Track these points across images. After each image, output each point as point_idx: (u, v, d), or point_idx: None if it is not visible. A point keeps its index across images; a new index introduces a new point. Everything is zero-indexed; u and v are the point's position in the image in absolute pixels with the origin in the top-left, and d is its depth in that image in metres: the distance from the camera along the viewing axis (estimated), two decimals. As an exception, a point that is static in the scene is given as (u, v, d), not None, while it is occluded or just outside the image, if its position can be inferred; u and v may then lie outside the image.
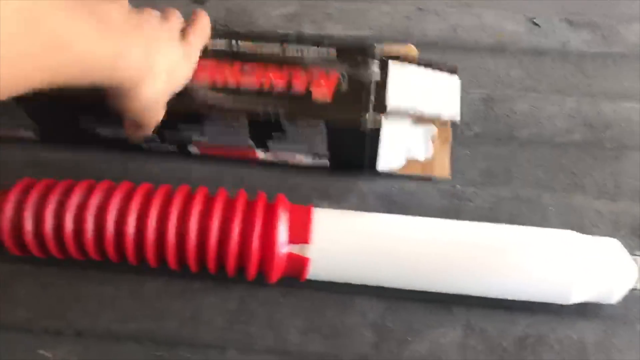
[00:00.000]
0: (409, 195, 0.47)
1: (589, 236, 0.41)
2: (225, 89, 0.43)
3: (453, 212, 0.46)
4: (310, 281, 0.43)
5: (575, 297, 0.40)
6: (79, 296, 0.43)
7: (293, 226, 0.40)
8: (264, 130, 0.44)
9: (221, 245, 0.40)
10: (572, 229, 0.41)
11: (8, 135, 0.49)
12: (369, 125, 0.42)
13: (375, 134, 0.43)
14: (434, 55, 0.47)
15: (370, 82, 0.43)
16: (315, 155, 0.46)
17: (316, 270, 0.41)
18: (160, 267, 0.42)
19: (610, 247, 0.40)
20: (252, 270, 0.40)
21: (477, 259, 0.40)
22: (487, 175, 0.48)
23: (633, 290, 0.40)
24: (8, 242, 0.41)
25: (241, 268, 0.41)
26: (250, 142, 0.46)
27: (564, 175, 0.48)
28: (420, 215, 0.43)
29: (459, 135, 0.49)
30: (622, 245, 0.41)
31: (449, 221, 0.42)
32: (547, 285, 0.40)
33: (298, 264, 0.40)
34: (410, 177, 0.48)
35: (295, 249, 0.40)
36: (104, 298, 0.43)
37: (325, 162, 0.47)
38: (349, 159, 0.46)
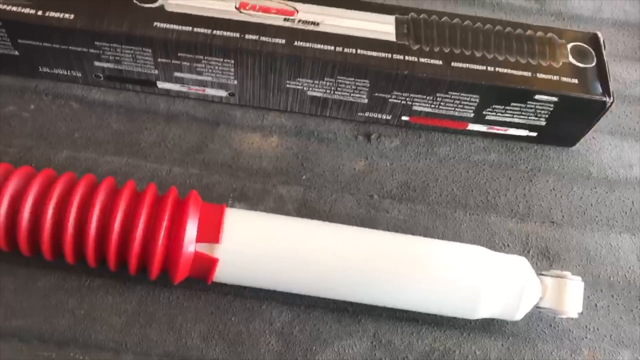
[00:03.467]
0: (327, 202, 0.46)
1: (498, 253, 0.41)
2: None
3: (369, 222, 0.46)
4: (216, 285, 0.41)
5: (481, 312, 0.40)
6: (-40, 288, 0.40)
7: (203, 224, 0.38)
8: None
9: (124, 240, 0.37)
10: (484, 246, 0.42)
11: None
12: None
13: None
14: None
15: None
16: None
17: (224, 272, 0.39)
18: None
19: (517, 265, 0.41)
20: (155, 268, 0.38)
21: (387, 270, 0.40)
22: (405, 188, 0.48)
23: (537, 307, 0.41)
24: None
25: (144, 268, 0.39)
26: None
27: (479, 193, 0.48)
28: (336, 222, 0.42)
29: (380, 146, 0.49)
30: (529, 264, 0.41)
31: (361, 230, 0.42)
32: (453, 300, 0.40)
33: (205, 264, 0.38)
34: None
35: (204, 248, 0.38)
36: (-4, 291, 0.40)
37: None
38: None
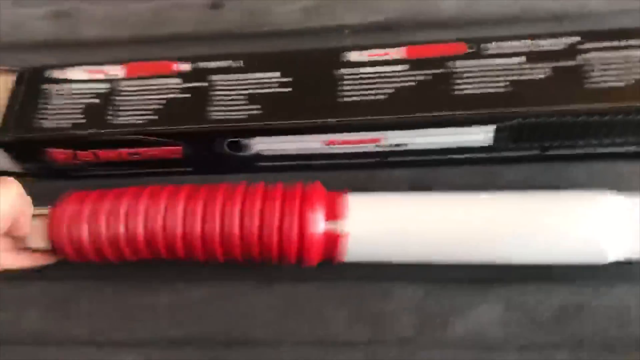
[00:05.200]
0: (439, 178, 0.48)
1: (624, 193, 0.41)
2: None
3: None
4: (349, 272, 0.44)
5: (612, 254, 0.40)
6: (136, 308, 0.46)
7: (329, 205, 0.41)
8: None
9: (263, 231, 0.41)
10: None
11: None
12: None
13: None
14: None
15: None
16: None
17: (354, 249, 0.41)
18: (205, 273, 0.45)
19: None
20: (292, 250, 0.41)
21: (514, 227, 0.40)
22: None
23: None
24: (68, 250, 0.43)
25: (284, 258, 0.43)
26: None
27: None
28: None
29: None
30: None
31: (482, 194, 0.43)
32: (583, 245, 0.40)
33: (335, 240, 0.41)
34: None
35: (331, 225, 0.41)
36: (160, 308, 0.46)
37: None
38: None
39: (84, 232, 0.42)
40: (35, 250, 0.43)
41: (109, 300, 0.46)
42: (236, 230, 0.41)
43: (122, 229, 0.42)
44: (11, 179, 0.40)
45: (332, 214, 0.41)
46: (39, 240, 0.43)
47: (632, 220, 0.40)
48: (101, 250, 0.43)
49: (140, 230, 0.42)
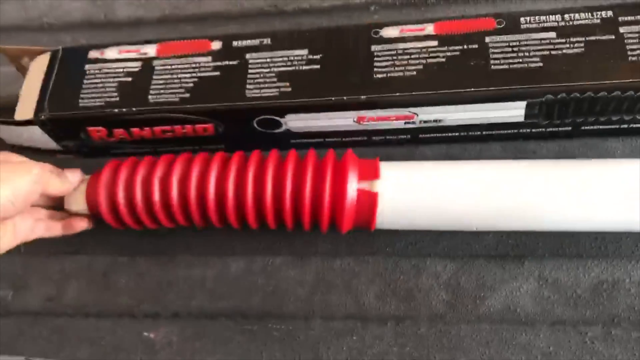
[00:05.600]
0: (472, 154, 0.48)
1: None
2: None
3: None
4: (382, 247, 0.44)
5: None
6: (171, 281, 0.47)
7: (362, 169, 0.42)
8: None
9: (296, 193, 0.42)
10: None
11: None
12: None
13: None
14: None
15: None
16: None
17: (386, 212, 0.41)
18: (240, 246, 0.46)
19: None
20: (325, 211, 0.41)
21: (554, 194, 0.40)
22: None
23: None
24: (106, 216, 0.44)
25: (317, 232, 0.43)
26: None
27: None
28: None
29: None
30: None
31: (522, 161, 0.42)
32: (619, 212, 0.39)
33: (368, 201, 0.41)
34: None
35: (366, 185, 0.41)
36: (194, 281, 0.47)
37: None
38: None
39: (119, 194, 0.43)
40: (75, 214, 0.45)
41: (144, 274, 0.48)
42: (268, 192, 0.42)
43: (156, 193, 0.43)
44: (34, 163, 0.41)
45: (366, 175, 0.41)
46: (78, 203, 0.44)
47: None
48: (135, 212, 0.44)
49: (173, 194, 0.43)
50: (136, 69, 0.48)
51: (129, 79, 0.47)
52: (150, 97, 0.46)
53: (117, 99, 0.47)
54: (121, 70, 0.48)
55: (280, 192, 0.42)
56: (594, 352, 0.41)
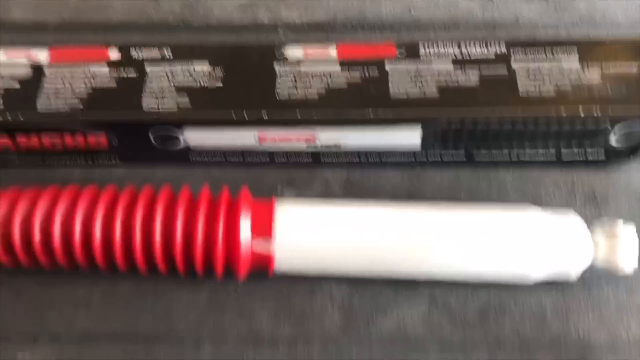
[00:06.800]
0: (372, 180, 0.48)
1: (549, 214, 0.42)
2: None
3: (415, 192, 0.48)
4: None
5: (535, 276, 0.41)
6: (53, 301, 0.44)
7: (256, 221, 0.41)
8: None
9: (187, 246, 0.41)
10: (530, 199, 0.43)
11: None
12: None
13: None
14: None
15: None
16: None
17: (282, 264, 0.42)
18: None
19: (570, 224, 0.41)
20: (219, 268, 0.41)
21: (437, 246, 0.41)
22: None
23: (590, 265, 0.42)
24: None
25: (210, 269, 0.42)
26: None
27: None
28: (382, 198, 0.44)
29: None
30: (583, 223, 0.42)
31: (410, 206, 0.43)
32: (506, 269, 0.42)
33: (263, 259, 0.41)
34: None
35: (260, 244, 0.41)
36: (77, 301, 0.44)
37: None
38: None
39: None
40: None
41: (23, 292, 0.44)
42: (158, 246, 0.41)
43: (37, 235, 0.41)
44: None
45: (260, 230, 0.41)
46: None
47: (555, 240, 0.41)
48: (16, 255, 0.41)
49: (56, 236, 0.41)
50: (24, 74, 0.45)
51: (17, 84, 0.45)
52: (38, 105, 0.44)
53: (1, 105, 0.44)
54: (7, 74, 0.45)
55: (171, 249, 0.41)
56: (479, 375, 0.42)
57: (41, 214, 0.41)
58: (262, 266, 0.42)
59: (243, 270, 0.42)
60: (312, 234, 0.42)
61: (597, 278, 0.44)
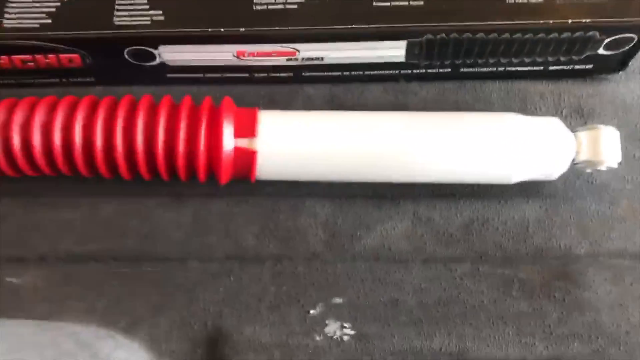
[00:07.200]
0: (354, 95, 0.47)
1: (529, 117, 0.42)
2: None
3: (399, 107, 0.47)
4: (261, 188, 0.44)
5: (517, 176, 0.41)
6: (37, 223, 0.44)
7: (239, 123, 0.40)
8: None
9: (170, 148, 0.40)
10: (516, 111, 0.42)
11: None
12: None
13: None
14: None
15: None
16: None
17: (265, 167, 0.41)
18: (113, 188, 0.43)
19: (549, 125, 0.41)
20: (201, 167, 0.40)
21: (422, 146, 0.41)
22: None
23: (574, 164, 0.41)
24: None
25: (194, 175, 0.42)
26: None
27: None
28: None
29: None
30: (561, 122, 0.41)
31: (393, 113, 0.43)
32: (489, 167, 0.41)
33: (246, 158, 0.40)
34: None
35: (243, 142, 0.40)
36: (61, 223, 0.44)
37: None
38: None
39: None
40: None
41: (8, 215, 0.44)
42: (140, 146, 0.40)
43: (16, 141, 0.40)
44: None
45: (243, 131, 0.40)
46: None
47: (534, 142, 0.40)
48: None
49: (36, 142, 0.40)
50: (-10, -11, 0.43)
51: None
52: (5, 22, 0.42)
53: (-33, 22, 0.42)
54: (-28, -11, 0.43)
55: (153, 148, 0.40)
56: (462, 287, 0.42)
57: (19, 120, 0.40)
58: (245, 167, 0.41)
59: (226, 169, 0.40)
60: (294, 136, 0.41)
61: (579, 190, 0.44)
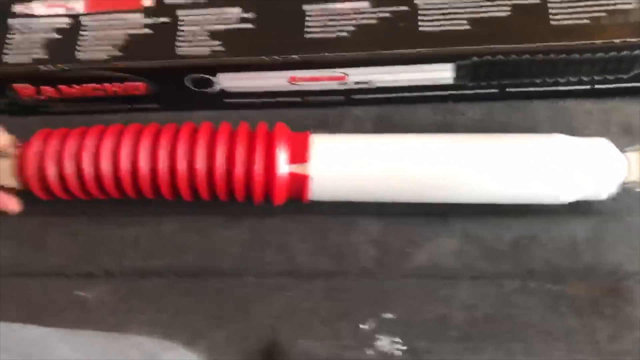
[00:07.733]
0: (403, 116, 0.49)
1: (578, 137, 0.42)
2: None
3: (446, 127, 0.48)
4: (314, 206, 0.45)
5: (567, 196, 0.42)
6: (104, 240, 0.47)
7: (292, 149, 0.42)
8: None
9: (228, 172, 0.42)
10: (563, 132, 0.43)
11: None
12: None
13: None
14: None
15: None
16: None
17: (318, 189, 0.43)
18: (175, 207, 0.46)
19: (598, 145, 0.42)
20: (257, 191, 0.43)
21: (471, 169, 0.42)
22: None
23: (624, 184, 0.42)
24: (34, 186, 0.44)
25: (250, 197, 0.44)
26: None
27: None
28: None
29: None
30: (610, 142, 0.42)
31: (441, 135, 0.44)
32: (538, 188, 0.42)
33: (299, 182, 0.42)
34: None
35: (296, 168, 0.42)
36: (127, 240, 0.47)
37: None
38: None
39: (51, 170, 0.43)
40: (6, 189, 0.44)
41: (78, 233, 0.47)
42: (203, 172, 0.42)
43: (87, 168, 0.43)
44: None
45: (297, 156, 0.42)
46: (8, 178, 0.43)
47: (584, 164, 0.41)
48: (68, 189, 0.43)
49: (105, 168, 0.43)
50: (64, 25, 0.46)
51: (56, 35, 0.46)
52: (78, 54, 0.45)
53: (44, 55, 0.45)
54: (48, 26, 0.46)
55: (212, 173, 0.42)
56: (511, 303, 0.43)
57: (89, 149, 0.43)
58: (298, 190, 0.43)
59: (280, 192, 0.43)
60: (345, 160, 0.43)
61: (629, 207, 0.44)
